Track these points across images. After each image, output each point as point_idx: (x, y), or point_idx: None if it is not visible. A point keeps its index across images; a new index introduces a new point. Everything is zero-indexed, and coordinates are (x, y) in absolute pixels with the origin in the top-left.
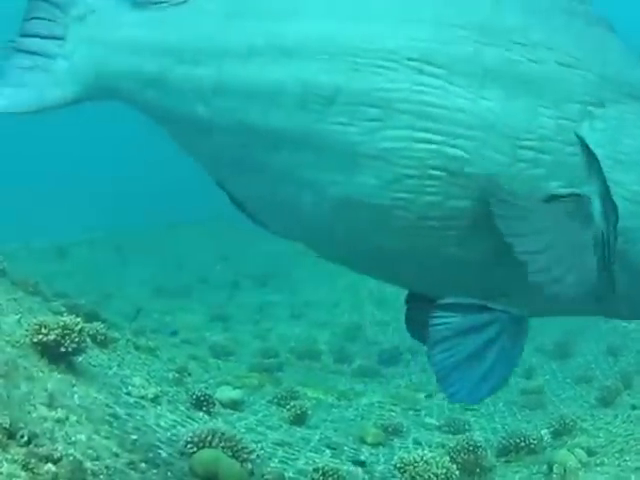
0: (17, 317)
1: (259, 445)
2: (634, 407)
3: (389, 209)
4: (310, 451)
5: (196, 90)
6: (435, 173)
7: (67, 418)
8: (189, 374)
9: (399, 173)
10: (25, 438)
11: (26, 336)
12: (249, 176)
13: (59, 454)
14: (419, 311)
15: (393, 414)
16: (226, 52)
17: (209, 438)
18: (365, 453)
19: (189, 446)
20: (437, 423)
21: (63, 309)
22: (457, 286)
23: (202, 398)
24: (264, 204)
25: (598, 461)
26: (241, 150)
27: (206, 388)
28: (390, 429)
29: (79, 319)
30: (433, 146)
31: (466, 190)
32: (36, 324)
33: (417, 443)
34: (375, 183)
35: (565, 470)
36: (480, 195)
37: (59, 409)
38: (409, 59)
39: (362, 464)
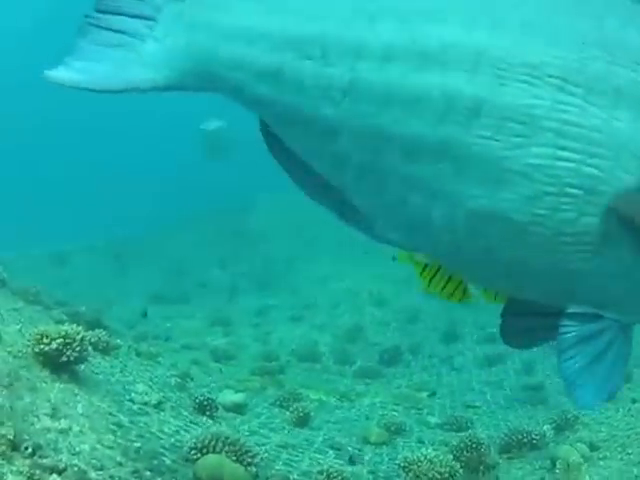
0: (18, 327)
1: (263, 448)
2: (634, 400)
3: (526, 225)
4: (314, 452)
5: (324, 90)
6: (572, 191)
7: (70, 428)
8: (191, 379)
9: (539, 190)
10: (29, 449)
11: (28, 346)
12: (376, 184)
13: (63, 465)
14: (515, 321)
15: (395, 414)
16: (361, 51)
17: (212, 443)
18: (369, 453)
19: (193, 452)
20: (439, 421)
21: (64, 317)
22: (577, 297)
23: (205, 403)
24: (389, 213)
25: (601, 455)
26: (371, 156)
27: (209, 392)
28: (393, 428)
29: (80, 327)
30: (571, 164)
31: (598, 208)
32: (37, 334)
33: (420, 442)
34: (515, 198)
35: (568, 465)
36: (609, 213)
37: (62, 419)
38: (549, 76)
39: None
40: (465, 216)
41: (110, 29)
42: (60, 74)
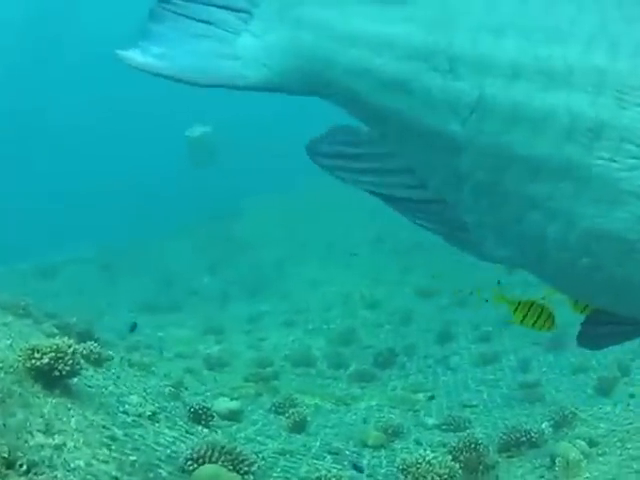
0: (9, 342)
1: (260, 455)
2: (632, 395)
3: (636, 243)
4: (312, 458)
5: (452, 105)
6: None
7: (65, 444)
8: (185, 388)
9: None
10: (24, 467)
11: (19, 361)
12: (494, 201)
13: None
14: (595, 328)
15: (392, 416)
16: (489, 68)
17: (209, 453)
18: (367, 456)
19: (189, 463)
20: (437, 422)
21: (55, 330)
22: None
23: (200, 411)
24: (502, 231)
25: (600, 451)
26: (492, 174)
27: (203, 401)
28: (390, 431)
29: (72, 341)
30: None
31: None
32: (28, 349)
33: (418, 443)
34: (628, 218)
35: (568, 462)
36: None
37: (56, 435)
38: None
39: (360, 470)
40: (579, 234)
41: (193, 18)
42: (135, 56)
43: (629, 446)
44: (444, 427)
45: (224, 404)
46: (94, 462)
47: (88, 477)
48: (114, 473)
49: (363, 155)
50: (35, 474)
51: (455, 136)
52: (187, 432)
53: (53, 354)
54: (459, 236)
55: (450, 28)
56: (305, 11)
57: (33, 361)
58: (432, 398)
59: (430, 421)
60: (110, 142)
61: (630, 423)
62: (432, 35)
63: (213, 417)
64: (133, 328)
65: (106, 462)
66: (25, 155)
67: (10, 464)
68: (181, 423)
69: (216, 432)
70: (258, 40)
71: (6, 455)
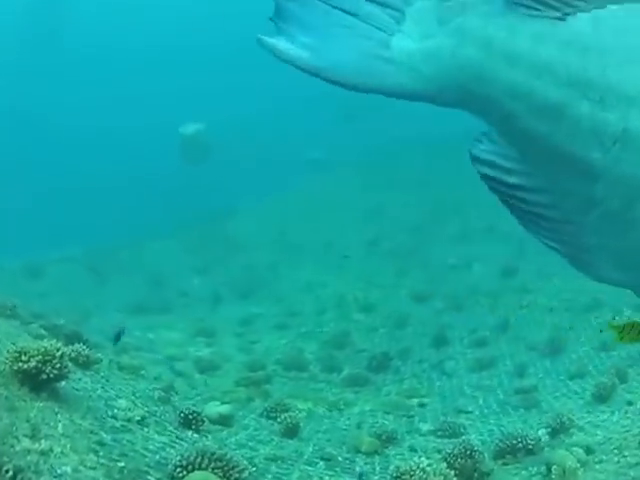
0: None
1: (251, 462)
2: (630, 403)
3: None
4: (304, 464)
5: (598, 134)
6: None
7: (51, 449)
8: (176, 392)
9: None
10: (10, 473)
11: (5, 364)
12: (621, 227)
13: None
14: None
15: (386, 422)
16: (634, 100)
17: (198, 460)
18: (360, 463)
19: (178, 470)
20: (432, 428)
21: (43, 332)
22: None
23: (190, 416)
24: (625, 255)
25: (597, 459)
26: (624, 202)
27: (194, 405)
28: (384, 437)
29: (60, 343)
30: None
31: None
32: (15, 351)
33: (412, 450)
34: None
35: (564, 470)
36: None
37: (43, 440)
38: None
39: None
40: None
41: (341, 9)
42: (282, 45)
43: (626, 454)
44: (439, 433)
45: (215, 408)
46: (81, 468)
47: None
48: None
49: (513, 170)
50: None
51: (595, 164)
52: (177, 437)
53: (41, 357)
54: (583, 258)
55: (603, 57)
56: (468, 22)
57: (20, 364)
58: (423, 406)
59: (425, 427)
60: (100, 140)
61: (627, 430)
62: (587, 63)
63: (203, 422)
64: (118, 338)
65: (94, 468)
66: (13, 153)
67: None
68: (171, 428)
69: (206, 437)
70: (415, 44)
71: None
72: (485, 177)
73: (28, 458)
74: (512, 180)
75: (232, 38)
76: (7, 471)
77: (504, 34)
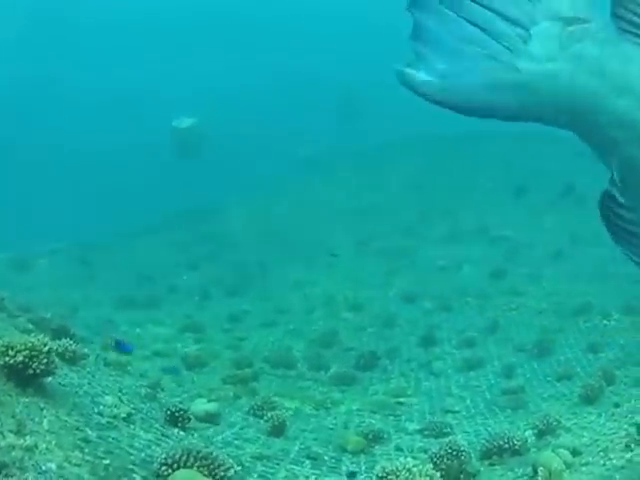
0: None
1: (237, 460)
2: (617, 405)
3: None
4: (290, 463)
5: None
6: None
7: (37, 445)
8: (162, 389)
9: None
10: None
11: None
12: None
13: None
14: None
15: (373, 421)
16: None
17: (184, 458)
18: (346, 462)
19: (163, 468)
20: (418, 427)
21: (30, 326)
22: None
23: (177, 414)
24: None
25: (583, 461)
26: None
27: (180, 402)
28: (371, 436)
29: (47, 339)
30: None
31: None
32: (2, 346)
33: (399, 449)
34: None
35: (550, 472)
36: None
37: (28, 436)
38: None
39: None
40: None
41: (475, 24)
42: (420, 78)
43: (612, 456)
44: (425, 432)
45: (202, 406)
46: (66, 465)
47: None
48: (87, 477)
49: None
50: (5, 476)
51: None
52: (163, 435)
53: (28, 352)
54: None
55: None
56: (586, 49)
57: (7, 359)
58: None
59: (411, 426)
60: (91, 131)
61: (614, 433)
62: None
63: (190, 419)
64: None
65: (79, 465)
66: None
67: None
68: (157, 425)
69: (192, 435)
70: (539, 66)
71: None
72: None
73: (13, 454)
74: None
75: (229, 34)
76: None
77: (616, 64)
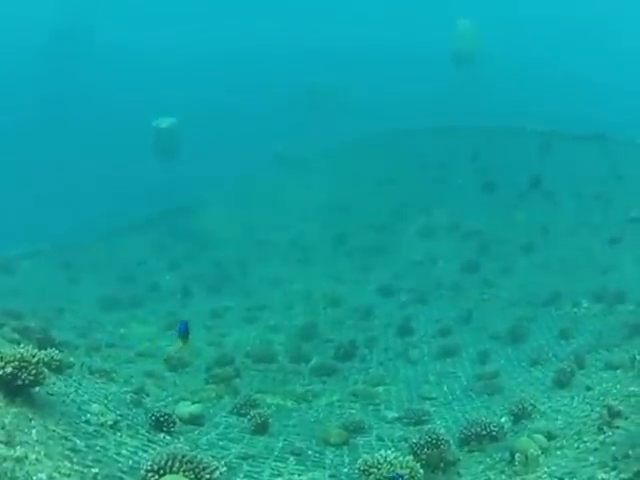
0: None
1: (222, 461)
2: (589, 388)
3: None
4: (275, 460)
5: None
6: None
7: (27, 456)
8: (147, 394)
9: None
10: None
11: None
12: None
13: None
14: None
15: (353, 411)
16: None
17: (169, 463)
18: (329, 455)
19: (150, 475)
20: (397, 415)
21: (15, 335)
22: None
23: (162, 419)
24: None
25: (558, 444)
26: None
27: (165, 407)
28: (352, 427)
29: (35, 350)
30: None
31: None
32: None
33: (380, 439)
34: None
35: (527, 457)
36: None
37: (18, 447)
38: None
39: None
40: None
41: None
42: None
43: (586, 439)
44: (405, 421)
45: (185, 408)
46: (56, 475)
47: None
48: None
49: None
50: None
51: None
52: (149, 441)
53: (17, 363)
54: None
55: None
56: None
57: None
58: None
59: (390, 414)
60: (69, 133)
61: (587, 415)
62: None
63: (175, 423)
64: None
65: (68, 475)
66: None
67: None
68: (143, 431)
69: (178, 439)
70: None
71: None
72: None
73: (4, 465)
74: None
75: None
76: None
77: None
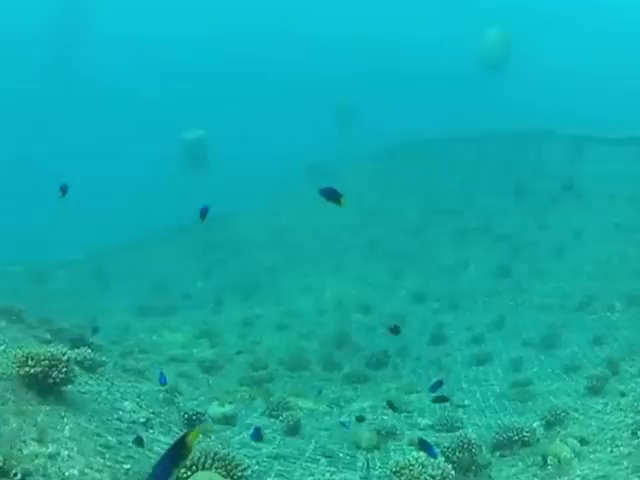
0: (2, 347)
1: (254, 460)
2: (623, 394)
3: None
4: (306, 461)
5: None
6: None
7: (59, 453)
8: (179, 393)
9: None
10: (19, 476)
11: (13, 368)
12: None
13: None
14: None
15: (385, 417)
16: None
17: (202, 460)
18: (360, 458)
19: (182, 470)
20: (430, 422)
21: (48, 336)
22: None
23: (194, 417)
24: None
25: (591, 449)
26: None
27: (198, 406)
28: (384, 432)
29: (66, 349)
30: None
31: None
32: (22, 356)
33: (412, 444)
34: None
35: (559, 461)
36: None
37: (50, 444)
38: None
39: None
40: None
41: None
42: None
43: (619, 444)
44: (437, 427)
45: (218, 408)
46: (88, 471)
47: None
48: None
49: None
50: None
51: None
52: None
53: (47, 362)
54: None
55: None
56: None
57: (27, 368)
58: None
59: (423, 422)
60: (102, 144)
61: (621, 421)
62: None
63: (207, 422)
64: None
65: (100, 471)
66: (15, 157)
67: (4, 473)
68: (175, 429)
69: (210, 437)
70: None
71: (1, 464)
72: None
73: (36, 462)
74: None
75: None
76: (15, 474)
77: None
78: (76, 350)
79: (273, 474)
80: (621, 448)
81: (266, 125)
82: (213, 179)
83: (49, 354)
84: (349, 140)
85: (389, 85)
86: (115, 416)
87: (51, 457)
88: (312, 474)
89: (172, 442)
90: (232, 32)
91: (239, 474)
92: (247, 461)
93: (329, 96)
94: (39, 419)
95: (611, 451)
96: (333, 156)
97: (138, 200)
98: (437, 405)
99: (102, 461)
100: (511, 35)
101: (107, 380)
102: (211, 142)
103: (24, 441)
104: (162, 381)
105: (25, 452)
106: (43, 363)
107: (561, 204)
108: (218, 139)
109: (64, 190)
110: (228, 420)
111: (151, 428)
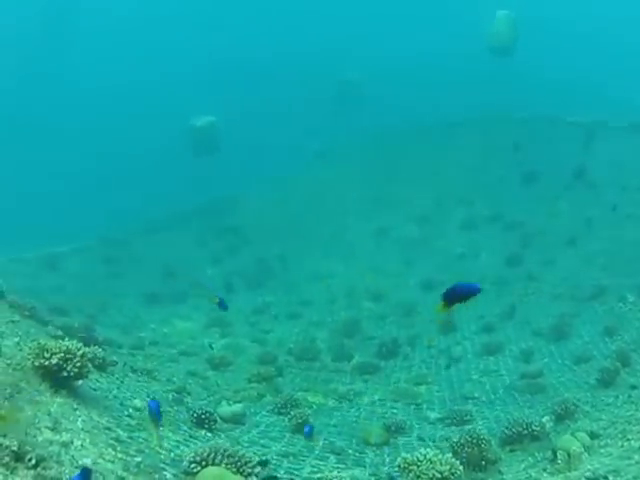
0: (16, 340)
1: (263, 458)
2: (634, 387)
3: None
4: (315, 459)
5: None
6: None
7: (72, 442)
8: (188, 393)
9: None
10: (33, 461)
11: (27, 359)
12: None
13: (67, 477)
14: None
15: (395, 410)
16: None
17: (212, 456)
18: (369, 455)
19: (193, 465)
20: (439, 416)
21: (60, 333)
22: None
23: (203, 416)
24: None
25: (602, 443)
26: None
27: (207, 405)
28: (393, 428)
29: (80, 344)
30: None
31: None
32: (38, 347)
33: (421, 439)
34: None
35: (569, 455)
36: None
37: (64, 433)
38: None
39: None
40: None
41: None
42: None
43: (630, 437)
44: (447, 421)
45: (227, 407)
46: (100, 461)
47: (95, 474)
48: (120, 473)
49: None
50: (44, 468)
51: None
52: (190, 436)
53: (62, 355)
54: None
55: None
56: None
57: (42, 360)
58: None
59: (432, 415)
60: (112, 131)
61: (632, 415)
62: None
63: (216, 421)
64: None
65: (112, 462)
66: (25, 145)
67: (19, 457)
68: (185, 428)
69: (219, 436)
70: None
71: (16, 449)
72: None
73: (50, 448)
74: None
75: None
76: (30, 459)
77: None
78: (87, 348)
79: (282, 471)
80: (632, 442)
81: (276, 111)
82: (222, 164)
83: (65, 347)
84: (355, 123)
85: (395, 67)
86: (125, 413)
87: (65, 445)
88: (321, 471)
89: (181, 439)
90: (239, 16)
91: (249, 470)
92: (257, 458)
93: (335, 75)
94: (52, 410)
95: (622, 445)
96: (341, 140)
97: (148, 186)
98: (446, 397)
99: (114, 453)
100: (521, 18)
101: (117, 379)
102: (222, 128)
103: (39, 428)
104: (153, 406)
105: (39, 439)
106: (58, 356)
107: (572, 192)
108: (228, 125)
109: None
110: (237, 419)
111: (161, 426)
